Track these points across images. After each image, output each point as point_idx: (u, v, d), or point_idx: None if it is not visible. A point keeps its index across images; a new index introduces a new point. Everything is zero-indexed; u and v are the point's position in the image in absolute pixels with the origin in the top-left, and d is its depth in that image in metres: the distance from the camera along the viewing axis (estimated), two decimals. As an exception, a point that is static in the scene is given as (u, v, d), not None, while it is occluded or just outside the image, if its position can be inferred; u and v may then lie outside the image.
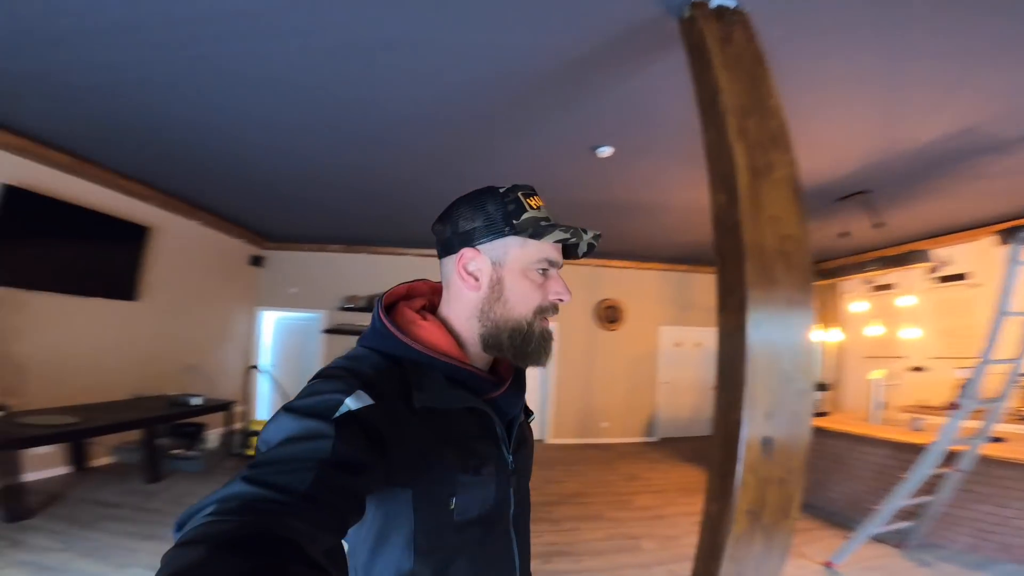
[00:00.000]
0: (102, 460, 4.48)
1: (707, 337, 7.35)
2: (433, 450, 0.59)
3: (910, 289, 5.31)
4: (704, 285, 7.28)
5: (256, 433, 5.07)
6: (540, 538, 3.31)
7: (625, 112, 2.78)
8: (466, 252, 0.67)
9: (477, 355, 0.69)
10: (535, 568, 3.03)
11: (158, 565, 0.34)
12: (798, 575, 2.86)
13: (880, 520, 2.92)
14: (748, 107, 1.55)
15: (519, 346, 0.66)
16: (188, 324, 5.57)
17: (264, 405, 6.69)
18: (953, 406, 2.86)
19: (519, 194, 0.67)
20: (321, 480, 0.45)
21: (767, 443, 1.33)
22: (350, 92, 2.68)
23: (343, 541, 0.48)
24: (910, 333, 5.23)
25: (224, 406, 4.78)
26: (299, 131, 3.19)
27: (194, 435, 4.94)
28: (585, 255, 0.71)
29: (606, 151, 3.28)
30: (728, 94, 1.54)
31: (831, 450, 3.78)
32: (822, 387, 4.43)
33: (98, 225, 4.31)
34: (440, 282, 0.73)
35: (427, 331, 0.66)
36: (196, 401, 4.49)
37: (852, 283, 6.20)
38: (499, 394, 0.68)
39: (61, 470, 4.11)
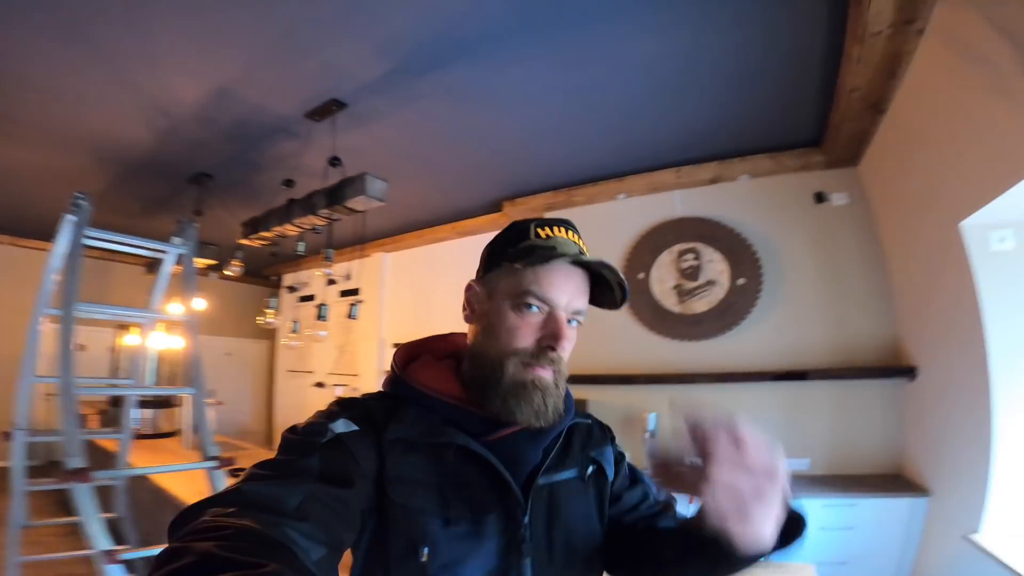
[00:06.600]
0: None
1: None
2: (406, 486, 0.56)
3: (323, 299, 5.24)
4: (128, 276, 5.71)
5: None
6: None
7: None
8: (470, 284, 0.67)
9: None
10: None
11: None
12: None
13: None
14: None
15: (483, 388, 0.60)
16: None
17: None
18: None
19: (532, 224, 0.63)
20: (311, 494, 0.47)
21: None
22: None
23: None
24: (320, 348, 5.44)
25: None
26: None
27: None
28: (623, 302, 0.63)
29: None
30: None
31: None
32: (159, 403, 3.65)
33: None
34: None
35: (425, 372, 0.65)
36: None
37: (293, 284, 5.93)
38: (503, 435, 0.60)
39: None
